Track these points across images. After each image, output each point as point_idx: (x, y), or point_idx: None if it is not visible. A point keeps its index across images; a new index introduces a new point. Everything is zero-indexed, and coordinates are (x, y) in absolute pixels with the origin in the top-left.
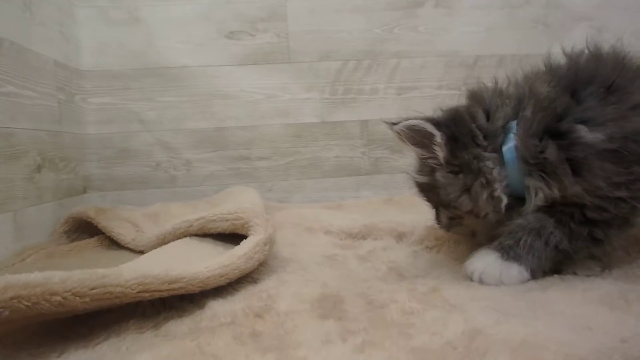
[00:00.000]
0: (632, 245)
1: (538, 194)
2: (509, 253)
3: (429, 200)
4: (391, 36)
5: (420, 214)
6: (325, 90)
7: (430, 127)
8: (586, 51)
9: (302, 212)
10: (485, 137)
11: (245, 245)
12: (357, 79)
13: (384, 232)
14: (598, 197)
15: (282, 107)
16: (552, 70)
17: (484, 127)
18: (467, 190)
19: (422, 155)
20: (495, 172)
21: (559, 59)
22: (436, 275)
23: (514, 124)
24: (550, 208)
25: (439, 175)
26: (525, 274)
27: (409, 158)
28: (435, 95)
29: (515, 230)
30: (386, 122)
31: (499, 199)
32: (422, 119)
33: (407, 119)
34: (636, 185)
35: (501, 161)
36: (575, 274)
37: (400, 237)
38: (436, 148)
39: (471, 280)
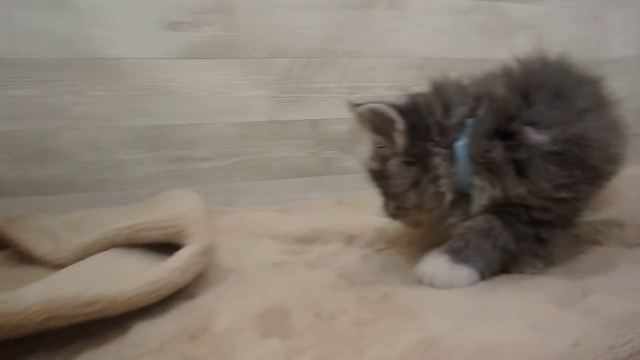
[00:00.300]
0: (571, 242)
1: (483, 193)
2: (458, 255)
3: (379, 187)
4: (344, 35)
5: (371, 215)
6: (274, 88)
7: (393, 113)
8: (536, 58)
9: (247, 216)
10: (439, 132)
11: (179, 257)
12: (308, 77)
13: (333, 236)
14: (542, 198)
15: (227, 105)
16: (508, 74)
17: (440, 122)
18: (415, 183)
19: (379, 142)
20: (442, 169)
21: (512, 64)
22: (387, 280)
23: (470, 121)
24: (498, 209)
25: (392, 165)
26: (475, 276)
27: (360, 158)
28: (386, 96)
29: (464, 232)
30: (349, 103)
31: (443, 195)
32: (385, 103)
33: (370, 102)
34: (577, 187)
35: (452, 157)
36: (521, 272)
37: (349, 240)
38: (396, 135)
39: (422, 283)
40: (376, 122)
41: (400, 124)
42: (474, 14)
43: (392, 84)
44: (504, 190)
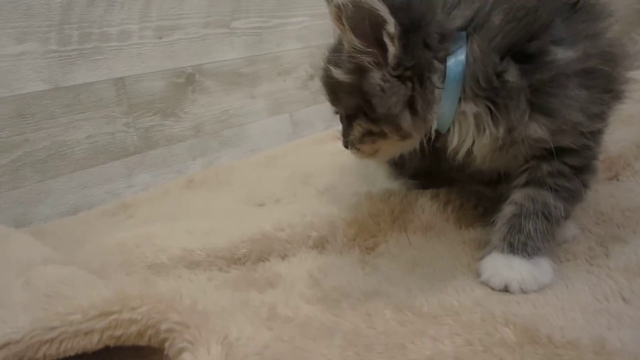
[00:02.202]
0: None
1: (481, 131)
2: (527, 250)
3: (340, 104)
4: None
5: (277, 193)
6: (50, 39)
7: (383, 9)
8: None
9: (106, 242)
10: (440, 40)
11: None
12: (97, 17)
13: (293, 242)
14: (577, 135)
15: None
16: None
17: (442, 25)
18: (410, 104)
19: (358, 46)
20: (437, 91)
21: None
22: (469, 297)
23: (464, 33)
24: (534, 177)
25: (377, 78)
26: (552, 263)
27: (186, 122)
28: (204, 37)
29: (516, 223)
30: None
31: (431, 122)
32: None
33: None
34: (607, 115)
35: (443, 76)
36: (565, 240)
37: (321, 244)
38: (386, 41)
39: (508, 291)
40: (359, 19)
41: (392, 25)
42: None
43: (207, 20)
44: (509, 130)
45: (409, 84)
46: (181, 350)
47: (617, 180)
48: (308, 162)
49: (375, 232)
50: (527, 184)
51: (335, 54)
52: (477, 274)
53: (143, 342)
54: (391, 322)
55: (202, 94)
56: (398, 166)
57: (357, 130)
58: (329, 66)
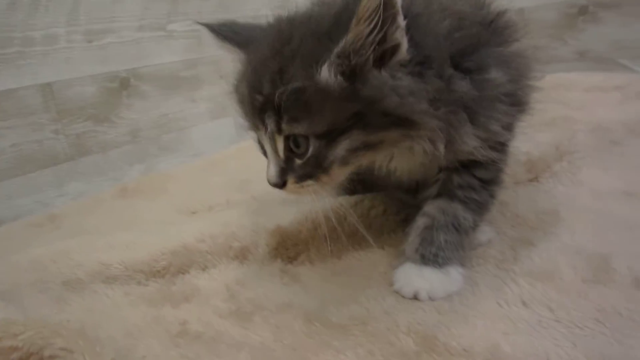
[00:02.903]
0: None
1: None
2: (437, 261)
3: (316, 120)
4: None
5: (211, 200)
6: None
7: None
8: None
9: (19, 257)
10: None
11: None
12: (19, 22)
13: (214, 254)
14: (491, 147)
15: None
16: None
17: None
18: (435, 101)
19: (370, 40)
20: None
21: None
22: (380, 305)
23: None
24: (445, 189)
25: (386, 77)
26: (461, 269)
27: (121, 127)
28: (138, 40)
29: (427, 235)
30: None
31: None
32: None
33: None
34: (515, 125)
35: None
36: (480, 244)
37: (243, 254)
38: (397, 35)
39: (418, 299)
40: (375, 11)
41: (402, 18)
42: None
43: (142, 23)
44: (451, 146)
45: (420, 79)
46: None
47: (537, 181)
48: (249, 166)
49: (298, 240)
50: (438, 195)
51: (317, 56)
52: (391, 283)
53: None
54: (299, 334)
55: (138, 98)
56: None
57: (343, 147)
58: (320, 70)
